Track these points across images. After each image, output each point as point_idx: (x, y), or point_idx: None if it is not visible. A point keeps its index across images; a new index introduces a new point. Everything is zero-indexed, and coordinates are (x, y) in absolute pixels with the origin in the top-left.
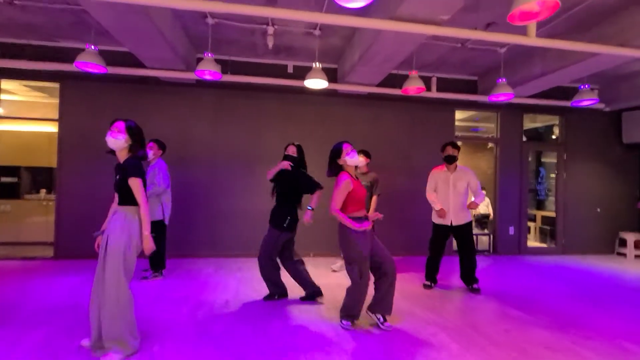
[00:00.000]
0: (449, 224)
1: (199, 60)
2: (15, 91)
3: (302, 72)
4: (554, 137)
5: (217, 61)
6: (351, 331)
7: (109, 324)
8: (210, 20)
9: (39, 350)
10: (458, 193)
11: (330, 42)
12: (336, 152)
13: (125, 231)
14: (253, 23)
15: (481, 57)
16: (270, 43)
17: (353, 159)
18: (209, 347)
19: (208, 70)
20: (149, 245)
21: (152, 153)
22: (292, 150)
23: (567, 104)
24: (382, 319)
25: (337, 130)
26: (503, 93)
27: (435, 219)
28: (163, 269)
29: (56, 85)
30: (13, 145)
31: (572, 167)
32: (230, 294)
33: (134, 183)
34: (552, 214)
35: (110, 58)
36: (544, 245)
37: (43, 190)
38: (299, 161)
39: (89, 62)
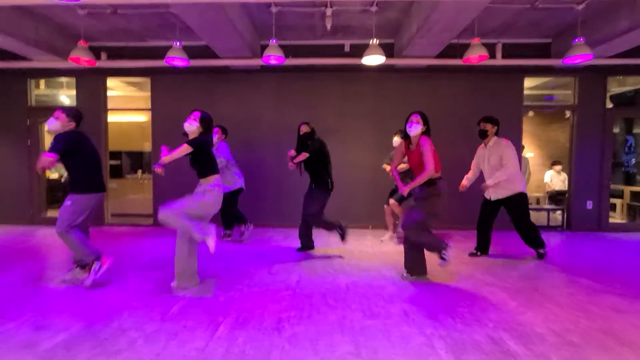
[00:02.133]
0: (489, 198)
1: (262, 47)
2: (114, 87)
3: (358, 50)
4: None
5: (279, 47)
6: (410, 284)
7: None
8: (273, 9)
9: (161, 285)
10: (492, 167)
11: (387, 17)
12: (406, 119)
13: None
14: (312, 7)
15: (553, 17)
16: (329, 24)
17: (409, 129)
18: (288, 293)
19: (273, 55)
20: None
21: (217, 137)
22: (305, 129)
23: None
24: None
25: (395, 106)
26: (580, 54)
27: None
28: (231, 229)
29: (147, 79)
30: (115, 133)
31: None
32: (299, 255)
33: (183, 146)
34: None
35: (189, 52)
36: (622, 221)
37: (139, 171)
38: (311, 135)
39: (175, 56)
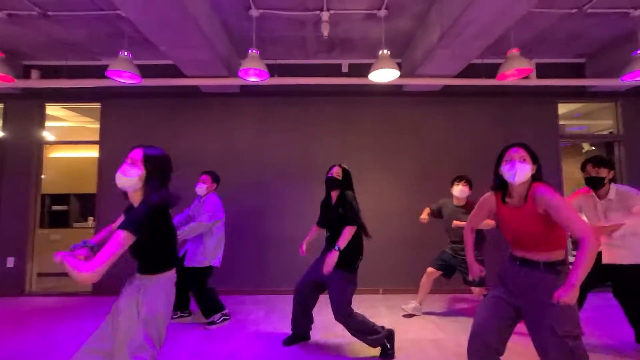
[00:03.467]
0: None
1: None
2: (64, 117)
3: (358, 71)
4: None
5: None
6: None
7: None
8: (254, 12)
9: None
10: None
11: (396, 26)
12: (498, 158)
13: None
14: (304, 10)
15: (599, 28)
16: (326, 31)
17: (508, 174)
18: None
19: (253, 68)
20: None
21: (205, 187)
22: (336, 172)
23: None
24: None
25: (406, 137)
26: None
27: None
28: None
29: (98, 106)
30: (63, 172)
31: None
32: (286, 354)
33: (122, 236)
34: None
35: (149, 71)
36: None
37: (90, 219)
38: (344, 184)
39: (122, 70)
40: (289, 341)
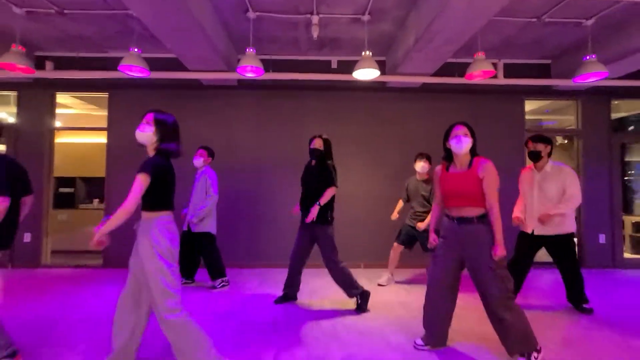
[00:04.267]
0: (530, 232)
1: (240, 62)
2: (71, 105)
3: (346, 67)
4: None
5: (259, 61)
6: (426, 358)
7: None
8: (251, 14)
9: None
10: (547, 199)
11: (379, 29)
12: (445, 134)
13: (156, 249)
14: (296, 13)
15: (558, 35)
16: (315, 33)
17: (456, 146)
18: None
19: (250, 66)
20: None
21: (202, 160)
22: (318, 144)
23: None
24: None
25: (387, 129)
26: (593, 72)
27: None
28: (223, 277)
29: (105, 95)
30: (70, 157)
31: None
32: (278, 310)
33: (141, 178)
34: None
35: (154, 64)
36: (638, 256)
37: (96, 200)
38: (325, 154)
39: (132, 65)
40: (280, 300)
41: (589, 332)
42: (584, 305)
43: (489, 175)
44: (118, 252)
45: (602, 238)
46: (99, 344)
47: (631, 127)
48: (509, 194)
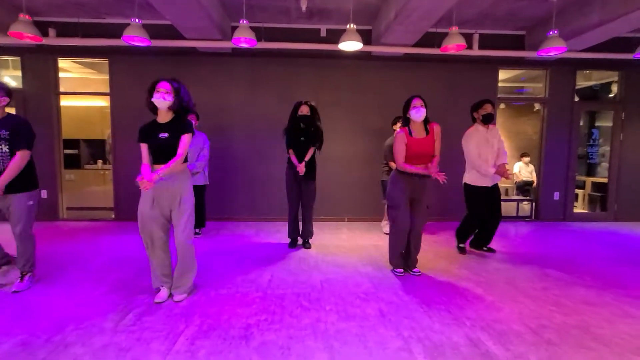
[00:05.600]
0: (489, 185)
1: (234, 29)
2: (69, 69)
3: (335, 36)
4: (611, 95)
5: (251, 29)
6: (385, 280)
7: (188, 276)
8: None
9: (117, 290)
10: (494, 152)
11: (365, 1)
12: (405, 105)
13: (191, 190)
14: None
15: (529, 9)
16: (304, 5)
17: (416, 115)
18: (258, 295)
19: (244, 37)
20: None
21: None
22: (305, 110)
23: (629, 56)
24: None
25: (371, 95)
26: (554, 47)
27: (476, 181)
28: (203, 227)
29: (105, 61)
30: (73, 119)
31: (631, 128)
32: (272, 250)
33: (188, 138)
34: (604, 180)
35: (152, 31)
36: (585, 211)
37: (100, 161)
38: (312, 119)
39: (134, 35)
40: (293, 244)
41: (516, 266)
42: (490, 245)
43: (439, 133)
44: (128, 207)
45: (556, 195)
46: (123, 278)
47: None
48: None
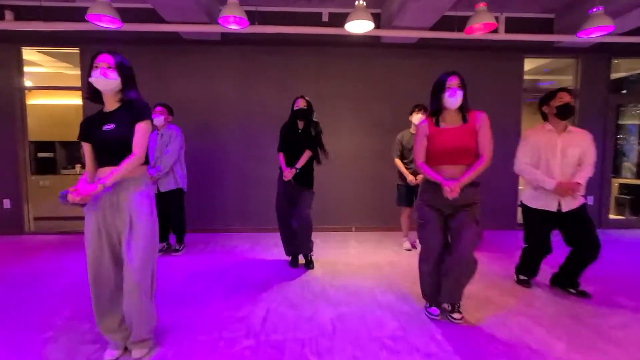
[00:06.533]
0: (555, 210)
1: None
2: (40, 62)
3: (338, 21)
4: None
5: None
6: (416, 317)
7: (145, 329)
8: None
9: (64, 334)
10: (568, 164)
11: None
12: (436, 86)
13: (151, 204)
14: None
15: None
16: None
17: (449, 99)
18: (249, 344)
19: (233, 16)
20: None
21: (162, 118)
22: (302, 104)
23: None
24: (449, 308)
25: (379, 87)
26: (598, 26)
27: (532, 201)
28: (182, 243)
29: (77, 50)
30: (47, 119)
31: None
32: (268, 271)
33: (147, 126)
34: (636, 182)
35: (129, 16)
36: (622, 217)
37: (78, 166)
38: (308, 114)
39: (101, 14)
40: (294, 263)
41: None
42: (580, 288)
43: (486, 123)
44: None
45: (590, 200)
46: (77, 316)
47: (623, 91)
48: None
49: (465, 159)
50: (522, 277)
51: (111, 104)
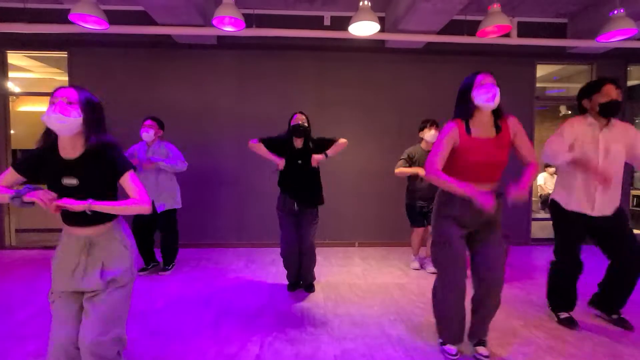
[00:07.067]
0: (589, 214)
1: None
2: (27, 67)
3: (341, 24)
4: None
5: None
6: (433, 357)
7: None
8: None
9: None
10: (612, 162)
11: None
12: (465, 87)
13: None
14: None
15: None
16: None
17: (485, 99)
18: None
19: (228, 17)
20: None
21: (152, 133)
22: (301, 119)
23: None
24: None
25: (384, 94)
26: (620, 29)
27: (568, 201)
28: (172, 263)
29: (65, 54)
30: (34, 127)
31: None
32: (264, 296)
33: (134, 173)
34: None
35: (118, 18)
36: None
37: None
38: (307, 132)
39: (86, 14)
40: (292, 288)
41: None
42: (622, 316)
43: (520, 126)
44: None
45: None
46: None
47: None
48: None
49: (497, 176)
50: (563, 316)
51: (70, 150)
